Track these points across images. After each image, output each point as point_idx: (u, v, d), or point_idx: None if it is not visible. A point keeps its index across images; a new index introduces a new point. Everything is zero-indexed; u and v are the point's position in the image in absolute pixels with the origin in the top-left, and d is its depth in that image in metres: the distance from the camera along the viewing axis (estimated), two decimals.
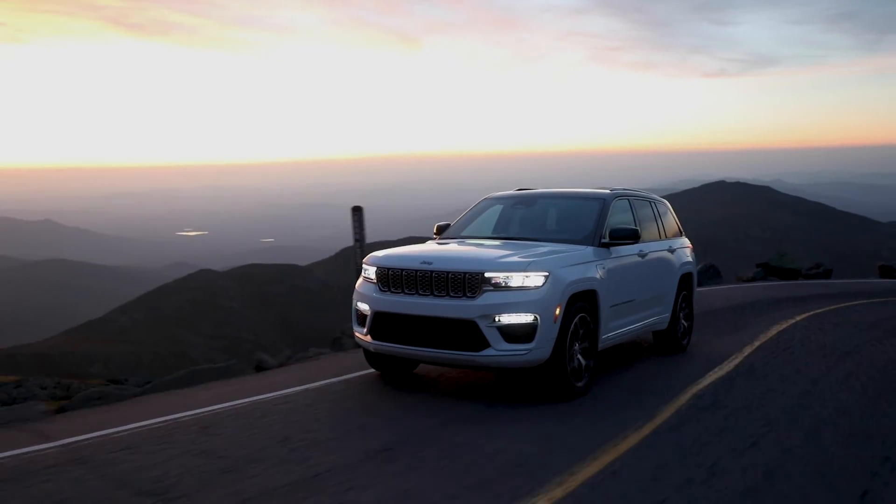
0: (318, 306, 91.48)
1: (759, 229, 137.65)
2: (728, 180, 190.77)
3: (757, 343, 9.54)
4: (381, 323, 6.49)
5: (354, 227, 10.99)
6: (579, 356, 6.46)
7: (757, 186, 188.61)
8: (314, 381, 7.12)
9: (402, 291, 6.37)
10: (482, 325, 5.92)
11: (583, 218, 7.45)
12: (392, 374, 7.24)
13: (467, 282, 6.04)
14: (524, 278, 6.01)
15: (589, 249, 6.90)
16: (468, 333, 5.98)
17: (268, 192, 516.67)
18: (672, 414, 6.01)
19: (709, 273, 21.11)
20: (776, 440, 5.36)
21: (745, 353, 8.77)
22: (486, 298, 5.97)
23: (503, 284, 6.00)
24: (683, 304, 8.86)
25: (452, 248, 7.10)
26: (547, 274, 6.08)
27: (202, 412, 5.97)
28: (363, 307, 6.70)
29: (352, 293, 7.10)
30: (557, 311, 6.08)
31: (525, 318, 5.94)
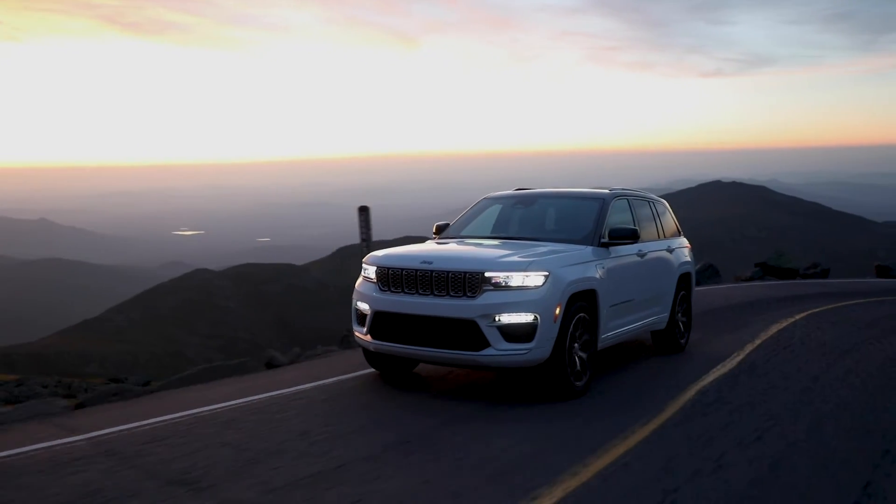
0: (314, 305, 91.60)
1: (755, 229, 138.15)
2: (724, 180, 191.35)
3: (758, 341, 9.71)
4: (381, 322, 6.49)
5: (361, 227, 11.14)
6: (579, 356, 6.50)
7: (753, 186, 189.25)
8: (326, 378, 7.27)
9: (403, 291, 6.38)
10: (482, 324, 5.94)
11: (582, 218, 7.46)
12: (391, 374, 7.27)
13: (467, 281, 6.05)
14: (524, 278, 6.02)
15: (588, 249, 6.92)
16: (468, 333, 5.99)
17: (264, 191, 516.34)
18: (678, 410, 6.16)
19: (707, 272, 21.32)
20: (780, 434, 5.53)
21: (747, 351, 8.94)
22: (487, 298, 5.98)
23: (503, 284, 6.01)
24: (682, 304, 8.89)
25: (452, 247, 7.10)
26: (547, 274, 6.10)
27: (221, 407, 6.12)
28: (363, 307, 6.71)
29: (352, 292, 7.09)
30: (557, 311, 6.09)
31: (525, 317, 5.96)
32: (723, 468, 4.73)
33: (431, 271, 6.22)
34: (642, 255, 7.82)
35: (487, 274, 6.03)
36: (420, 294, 6.26)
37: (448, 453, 4.92)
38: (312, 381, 7.15)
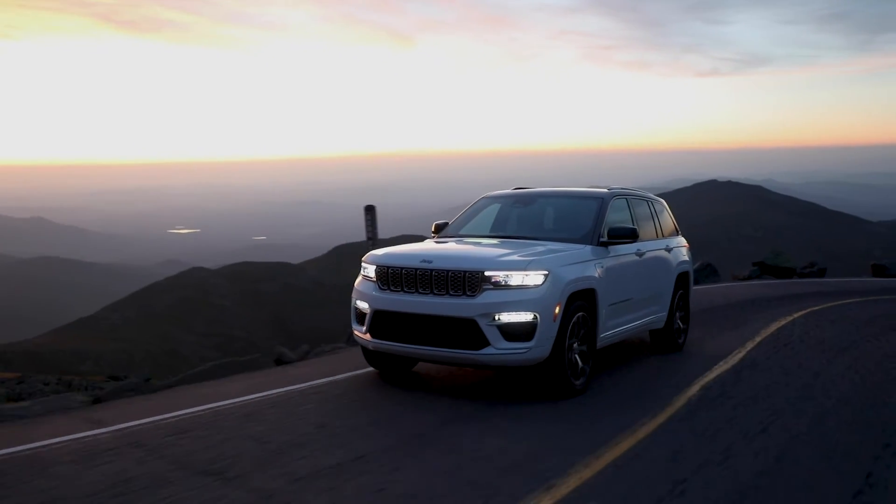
0: (310, 304, 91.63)
1: (751, 228, 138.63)
2: (720, 179, 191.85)
3: (758, 339, 9.90)
4: (381, 321, 6.49)
5: (367, 226, 11.31)
6: (578, 354, 6.54)
7: (749, 186, 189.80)
8: (338, 374, 7.40)
9: (402, 290, 6.37)
10: (482, 323, 5.94)
11: (581, 217, 7.47)
12: (390, 373, 7.30)
13: (467, 280, 6.05)
14: (524, 277, 6.03)
15: (587, 248, 6.92)
16: (468, 332, 5.99)
17: (260, 189, 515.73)
18: (683, 404, 6.34)
19: (706, 271, 21.53)
20: (784, 427, 5.71)
21: (748, 349, 9.12)
22: (486, 297, 5.98)
23: (503, 283, 6.01)
24: (680, 303, 8.90)
25: (451, 246, 7.07)
26: (546, 273, 6.11)
27: (240, 401, 6.27)
28: (362, 305, 6.71)
29: (349, 291, 7.11)
30: (557, 310, 6.10)
31: (525, 316, 5.96)
32: (730, 459, 4.91)
33: (431, 270, 6.23)
34: (641, 255, 7.84)
35: (487, 273, 6.04)
36: (420, 293, 6.27)
37: (462, 446, 5.08)
38: (325, 377, 7.29)
